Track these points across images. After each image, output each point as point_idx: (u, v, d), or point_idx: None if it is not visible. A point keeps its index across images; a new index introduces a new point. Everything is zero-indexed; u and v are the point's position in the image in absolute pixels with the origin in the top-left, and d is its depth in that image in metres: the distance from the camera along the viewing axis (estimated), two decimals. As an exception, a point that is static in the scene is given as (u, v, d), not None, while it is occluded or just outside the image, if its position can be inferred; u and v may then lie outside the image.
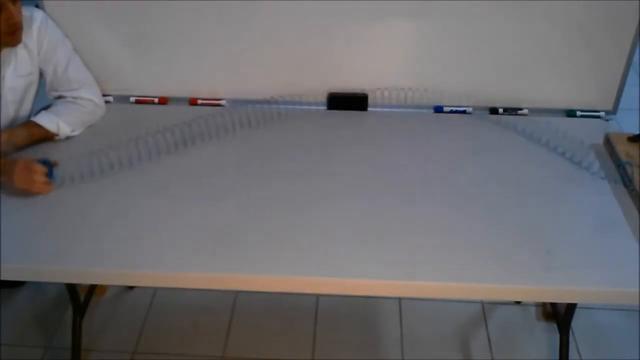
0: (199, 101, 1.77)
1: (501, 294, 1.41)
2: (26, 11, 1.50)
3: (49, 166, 1.42)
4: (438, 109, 1.75)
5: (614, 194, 1.40)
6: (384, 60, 1.69)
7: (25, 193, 1.38)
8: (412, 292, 1.32)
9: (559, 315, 1.78)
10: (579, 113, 1.72)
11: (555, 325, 1.82)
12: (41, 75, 1.60)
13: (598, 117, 1.71)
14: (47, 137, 1.56)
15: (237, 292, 2.07)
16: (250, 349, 1.88)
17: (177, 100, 1.78)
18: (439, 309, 2.00)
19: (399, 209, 1.36)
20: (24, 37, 1.49)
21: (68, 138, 1.59)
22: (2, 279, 1.23)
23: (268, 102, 1.75)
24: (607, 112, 1.71)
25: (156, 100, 1.78)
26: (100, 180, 1.45)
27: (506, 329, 1.94)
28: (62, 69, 1.58)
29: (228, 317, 1.99)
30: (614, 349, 1.86)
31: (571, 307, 1.70)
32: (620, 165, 1.45)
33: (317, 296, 2.05)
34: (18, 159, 1.40)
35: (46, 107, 1.60)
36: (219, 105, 1.77)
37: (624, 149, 1.49)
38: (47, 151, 1.53)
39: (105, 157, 1.51)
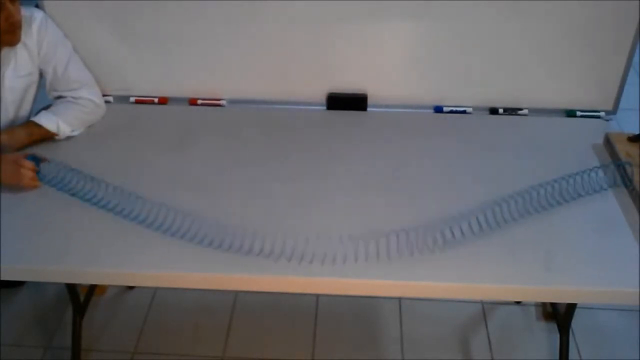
0: (199, 101, 1.77)
1: (501, 294, 1.41)
2: (26, 11, 1.50)
3: (37, 162, 1.44)
4: (438, 109, 1.75)
5: (614, 194, 1.40)
6: (384, 60, 1.68)
7: (14, 188, 1.40)
8: (412, 292, 1.32)
9: (559, 315, 1.78)
10: (579, 113, 1.72)
11: (555, 325, 1.82)
12: (41, 75, 1.60)
13: (598, 117, 1.71)
14: (47, 137, 1.56)
15: (237, 292, 2.07)
16: (250, 349, 1.88)
17: (177, 100, 1.78)
18: (439, 309, 2.00)
19: (399, 208, 1.36)
20: (24, 37, 1.49)
21: (68, 138, 1.59)
22: (2, 279, 1.23)
23: (268, 102, 1.75)
24: (607, 112, 1.71)
25: (156, 100, 1.78)
26: (95, 187, 1.45)
27: (506, 329, 1.94)
28: (62, 69, 1.58)
29: (228, 317, 1.99)
30: (614, 349, 1.86)
31: (571, 307, 1.70)
32: (620, 165, 1.45)
33: (317, 296, 2.05)
34: (5, 155, 1.42)
35: (46, 107, 1.60)
36: (219, 105, 1.77)
37: (624, 149, 1.49)
38: (47, 151, 1.52)
39: (105, 156, 1.52)
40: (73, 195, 1.39)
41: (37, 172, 1.42)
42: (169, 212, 1.34)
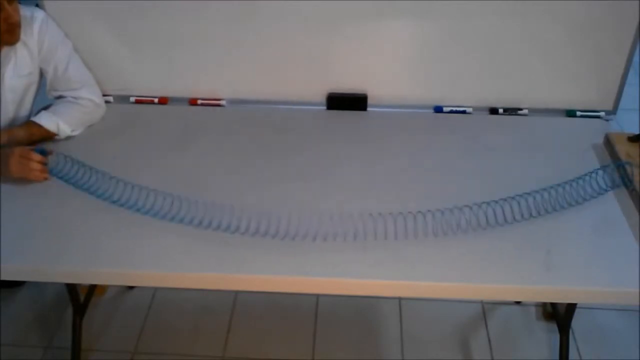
0: (199, 101, 1.77)
1: (501, 294, 1.41)
2: (27, 11, 1.50)
3: (45, 155, 1.46)
4: (438, 109, 1.75)
5: (614, 194, 1.40)
6: (384, 60, 1.68)
7: (23, 181, 1.42)
8: (412, 292, 1.32)
9: (559, 315, 1.78)
10: (579, 113, 1.72)
11: (555, 325, 1.82)
12: (41, 75, 1.60)
13: (598, 117, 1.71)
14: (47, 137, 1.56)
15: (237, 292, 2.07)
16: (250, 349, 1.88)
17: (177, 100, 1.78)
18: (439, 309, 2.00)
19: (399, 208, 1.36)
20: (24, 37, 1.49)
21: (68, 138, 1.59)
22: (2, 279, 1.23)
23: (268, 102, 1.75)
24: (607, 112, 1.71)
25: (156, 100, 1.78)
26: (100, 179, 1.45)
27: (506, 329, 1.94)
28: (62, 69, 1.58)
29: (228, 317, 1.99)
30: (614, 349, 1.86)
31: (571, 307, 1.70)
32: (620, 165, 1.45)
33: (317, 296, 2.05)
34: (14, 148, 1.43)
35: (46, 107, 1.60)
36: (219, 105, 1.77)
37: (624, 149, 1.49)
38: (47, 151, 1.53)
39: (105, 156, 1.52)
40: (80, 187, 1.40)
41: (45, 164, 1.45)
42: (174, 201, 1.35)
